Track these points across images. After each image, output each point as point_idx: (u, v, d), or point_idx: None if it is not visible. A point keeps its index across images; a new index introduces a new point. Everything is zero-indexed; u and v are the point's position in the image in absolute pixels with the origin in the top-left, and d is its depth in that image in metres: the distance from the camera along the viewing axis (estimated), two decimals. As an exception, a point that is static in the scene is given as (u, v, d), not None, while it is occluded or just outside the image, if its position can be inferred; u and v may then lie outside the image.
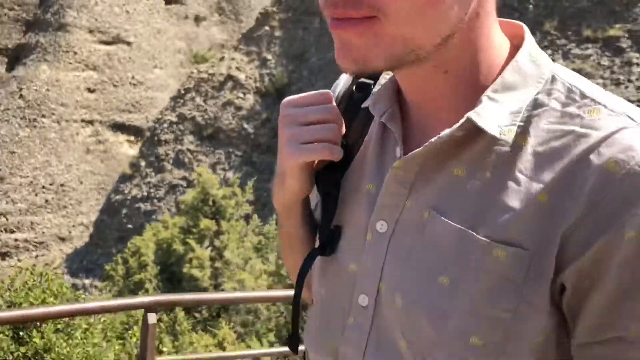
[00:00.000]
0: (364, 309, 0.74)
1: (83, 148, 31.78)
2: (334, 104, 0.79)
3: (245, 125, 23.58)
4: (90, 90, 32.56)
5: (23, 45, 33.15)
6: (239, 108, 23.93)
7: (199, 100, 24.68)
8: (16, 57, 32.71)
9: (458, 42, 0.67)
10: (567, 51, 16.85)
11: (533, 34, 0.76)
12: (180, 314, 7.60)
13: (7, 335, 3.62)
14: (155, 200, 23.86)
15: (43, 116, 30.61)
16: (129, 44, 34.03)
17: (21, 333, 3.73)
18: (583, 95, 0.67)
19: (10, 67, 32.71)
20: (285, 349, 5.83)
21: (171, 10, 37.42)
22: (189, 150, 24.18)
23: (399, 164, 0.71)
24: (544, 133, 0.66)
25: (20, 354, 3.53)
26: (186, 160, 23.90)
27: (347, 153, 0.79)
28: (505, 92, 0.68)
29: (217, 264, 8.30)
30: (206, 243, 8.59)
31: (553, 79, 0.69)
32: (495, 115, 0.66)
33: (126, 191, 25.02)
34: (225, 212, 8.88)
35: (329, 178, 0.80)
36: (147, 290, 8.14)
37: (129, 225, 23.08)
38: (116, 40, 33.68)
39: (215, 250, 8.52)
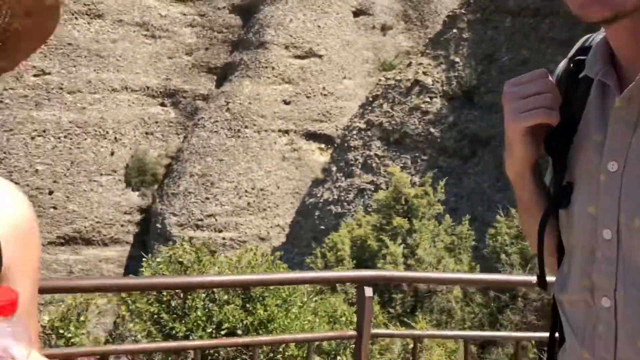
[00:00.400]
0: (608, 242, 0.84)
1: (280, 156, 34.19)
2: (549, 78, 0.92)
3: (432, 130, 23.50)
4: (286, 102, 34.94)
5: (229, 64, 36.68)
6: (425, 113, 23.93)
7: (386, 106, 25.20)
8: (224, 75, 36.37)
9: None
10: None
11: None
12: (376, 307, 7.89)
13: (237, 306, 4.16)
14: (345, 203, 24.86)
15: (246, 127, 33.57)
16: (320, 57, 35.84)
17: (248, 305, 4.26)
18: None
19: (219, 84, 36.45)
20: (488, 333, 5.79)
21: (359, 21, 38.62)
22: (376, 155, 24.79)
23: (619, 104, 0.81)
24: None
25: (248, 322, 4.03)
26: (374, 165, 24.53)
27: (572, 120, 0.93)
28: None
29: (410, 262, 8.48)
30: (399, 240, 8.83)
31: None
32: None
33: (319, 195, 26.44)
34: (417, 211, 9.05)
35: (556, 142, 0.92)
36: (344, 283, 8.63)
37: (322, 227, 24.33)
38: (309, 54, 35.70)
39: (407, 248, 8.72)
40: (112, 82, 34.85)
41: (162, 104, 36.75)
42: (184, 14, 37.87)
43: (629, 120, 0.81)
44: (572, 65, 0.97)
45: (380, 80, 27.51)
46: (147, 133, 35.90)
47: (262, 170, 33.39)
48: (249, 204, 32.69)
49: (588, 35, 0.99)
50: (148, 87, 35.97)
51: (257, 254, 4.57)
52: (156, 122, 36.29)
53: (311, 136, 35.06)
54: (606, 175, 0.84)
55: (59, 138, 32.63)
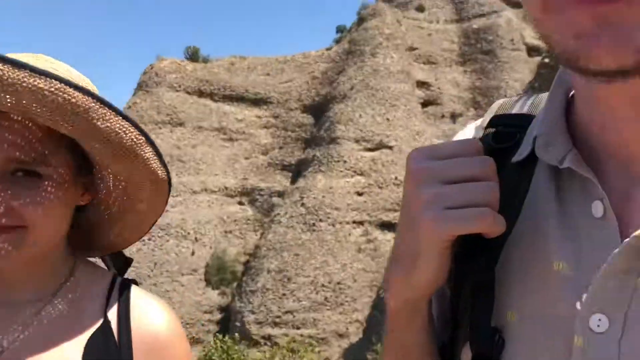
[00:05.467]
0: None
1: (355, 247, 34.03)
2: (484, 155, 0.58)
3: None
4: (359, 194, 35.21)
5: (303, 160, 37.82)
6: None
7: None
8: (298, 171, 37.42)
9: None
10: None
11: None
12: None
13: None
14: (421, 295, 24.08)
15: (320, 220, 33.90)
16: (391, 148, 36.35)
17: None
18: None
19: (294, 180, 37.44)
20: None
21: (428, 111, 39.20)
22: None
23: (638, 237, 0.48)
24: None
25: None
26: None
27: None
28: None
29: None
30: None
31: None
32: None
33: (394, 287, 25.80)
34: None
35: (478, 260, 0.57)
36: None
37: (398, 321, 23.55)
38: (379, 146, 36.31)
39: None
40: (192, 184, 36.66)
41: (240, 203, 38.02)
42: (259, 117, 39.93)
43: (636, 252, 0.49)
44: (493, 139, 0.64)
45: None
46: (226, 232, 36.99)
47: (338, 263, 33.24)
48: (326, 298, 32.35)
49: (505, 100, 0.69)
50: (226, 187, 37.52)
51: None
52: (234, 221, 37.43)
53: (386, 226, 34.82)
54: (585, 337, 0.50)
55: (143, 241, 34.22)
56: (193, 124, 37.67)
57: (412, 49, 39.62)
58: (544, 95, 0.64)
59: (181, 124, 37.03)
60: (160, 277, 33.63)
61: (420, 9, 41.01)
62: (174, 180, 36.33)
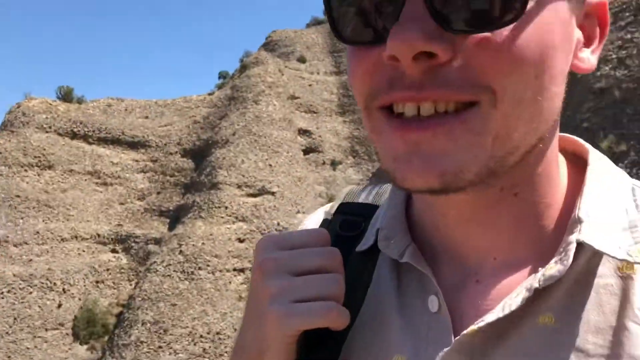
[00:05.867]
0: None
1: (236, 296, 33.39)
2: (331, 246, 0.59)
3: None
4: (240, 240, 34.85)
5: (182, 206, 36.91)
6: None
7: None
8: (176, 217, 36.38)
9: (539, 152, 0.52)
10: None
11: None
12: None
13: None
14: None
15: (199, 268, 33.01)
16: (273, 193, 36.59)
17: None
18: None
19: (172, 227, 36.31)
20: None
21: (309, 158, 40.16)
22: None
23: (473, 333, 0.49)
24: None
25: None
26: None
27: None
28: (600, 209, 0.52)
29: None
30: None
31: (634, 191, 0.55)
32: (609, 235, 0.50)
33: (275, 335, 25.52)
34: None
35: (320, 353, 0.57)
36: None
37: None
38: (262, 191, 36.43)
39: None
40: (61, 231, 34.36)
41: (114, 250, 36.08)
42: (136, 161, 38.60)
43: (465, 349, 0.50)
44: (340, 227, 0.65)
45: (330, 213, 27.94)
46: (97, 282, 34.80)
47: (218, 312, 32.37)
48: (204, 350, 31.23)
49: (353, 187, 0.72)
50: (99, 235, 35.47)
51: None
52: (107, 270, 35.36)
53: (268, 273, 34.67)
54: None
55: (1, 293, 31.25)
56: (64, 167, 35.57)
57: (293, 97, 40.70)
58: (389, 186, 0.66)
59: (50, 167, 34.81)
60: (20, 334, 30.75)
61: (302, 60, 42.49)
62: (41, 226, 33.83)
